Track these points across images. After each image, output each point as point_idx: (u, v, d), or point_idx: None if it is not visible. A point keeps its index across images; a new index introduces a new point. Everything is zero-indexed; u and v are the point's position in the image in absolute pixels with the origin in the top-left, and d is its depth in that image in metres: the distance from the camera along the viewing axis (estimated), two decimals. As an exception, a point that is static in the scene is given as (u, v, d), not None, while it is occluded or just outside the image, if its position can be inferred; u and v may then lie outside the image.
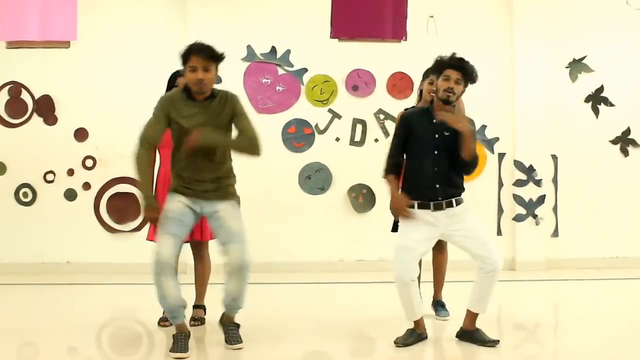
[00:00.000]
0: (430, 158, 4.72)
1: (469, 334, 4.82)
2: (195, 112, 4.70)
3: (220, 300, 4.87)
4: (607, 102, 8.58)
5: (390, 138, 8.07)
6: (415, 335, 4.83)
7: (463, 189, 4.83)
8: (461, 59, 4.78)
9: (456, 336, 4.88)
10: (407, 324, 4.98)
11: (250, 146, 4.79)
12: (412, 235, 4.71)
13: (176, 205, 4.70)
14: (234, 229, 4.78)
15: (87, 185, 8.29)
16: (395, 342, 4.79)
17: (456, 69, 4.75)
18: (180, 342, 4.64)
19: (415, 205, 4.72)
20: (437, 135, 4.73)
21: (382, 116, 8.45)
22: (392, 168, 4.86)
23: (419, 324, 4.86)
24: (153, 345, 5.09)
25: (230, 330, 4.87)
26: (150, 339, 5.23)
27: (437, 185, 4.70)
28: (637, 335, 5.20)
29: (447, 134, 4.72)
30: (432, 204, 4.70)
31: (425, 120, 4.79)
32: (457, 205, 4.72)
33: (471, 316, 4.83)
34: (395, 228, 5.77)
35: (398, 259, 4.73)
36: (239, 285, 4.79)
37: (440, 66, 4.79)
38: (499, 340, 4.76)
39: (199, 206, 4.77)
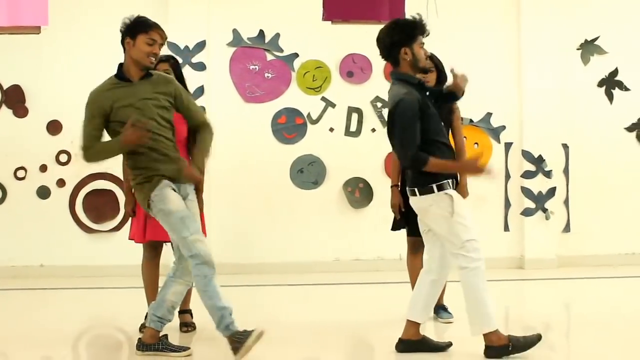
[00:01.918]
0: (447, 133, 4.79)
1: (417, 344, 4.77)
2: (138, 93, 4.77)
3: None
4: (621, 86, 8.59)
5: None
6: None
7: None
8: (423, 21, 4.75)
9: (400, 350, 4.80)
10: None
11: (212, 135, 4.96)
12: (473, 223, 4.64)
13: (174, 200, 4.68)
14: (199, 219, 4.88)
15: (61, 182, 8.27)
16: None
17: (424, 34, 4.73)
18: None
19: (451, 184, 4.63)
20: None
21: (379, 104, 8.45)
22: (421, 153, 4.58)
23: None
24: (134, 355, 5.07)
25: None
26: (131, 347, 5.21)
27: None
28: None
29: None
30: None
31: (425, 94, 4.70)
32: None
33: (414, 328, 4.80)
34: (395, 226, 5.77)
35: (479, 251, 4.58)
36: (183, 293, 4.96)
37: (416, 31, 4.68)
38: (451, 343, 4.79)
39: (178, 191, 4.78)
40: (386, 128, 4.78)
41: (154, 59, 4.81)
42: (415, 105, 4.51)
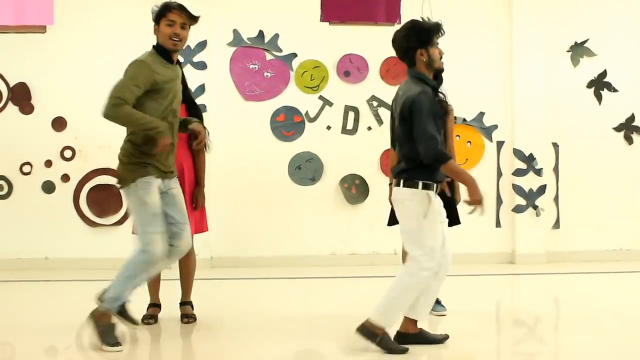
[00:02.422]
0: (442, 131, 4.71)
1: (413, 337, 4.79)
2: (173, 76, 4.85)
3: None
4: (610, 87, 8.62)
5: (383, 127, 8.17)
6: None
7: None
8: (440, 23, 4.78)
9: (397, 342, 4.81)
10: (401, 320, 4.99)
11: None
12: (439, 232, 4.62)
13: (155, 196, 4.74)
14: (185, 210, 4.94)
15: (65, 177, 8.28)
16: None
17: (440, 35, 4.75)
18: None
19: (434, 188, 4.61)
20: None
21: (375, 103, 8.47)
22: (442, 149, 4.55)
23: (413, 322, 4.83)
24: (136, 344, 5.10)
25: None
26: (133, 336, 5.23)
27: None
28: (641, 331, 5.25)
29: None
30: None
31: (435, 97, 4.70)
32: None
33: (411, 322, 4.82)
34: (391, 222, 5.79)
35: (432, 261, 4.56)
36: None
37: (432, 32, 4.70)
38: (447, 335, 4.80)
39: (162, 186, 4.85)
40: (397, 121, 4.69)
41: (176, 39, 4.80)
42: (431, 103, 4.55)
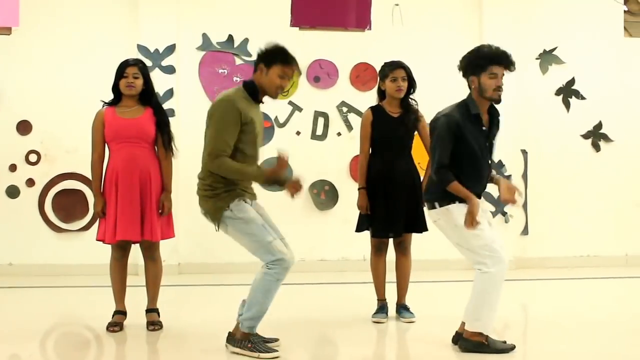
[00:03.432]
0: (485, 160, 4.83)
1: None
2: (258, 114, 4.87)
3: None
4: (578, 95, 8.75)
5: (353, 132, 8.21)
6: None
7: None
8: (507, 54, 4.74)
9: (454, 341, 4.90)
10: (370, 325, 5.03)
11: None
12: (487, 229, 4.75)
13: (253, 211, 4.77)
14: (276, 227, 4.96)
15: (30, 182, 8.21)
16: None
17: (504, 66, 4.72)
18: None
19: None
20: (487, 143, 4.87)
21: (345, 109, 8.51)
22: (449, 173, 4.71)
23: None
24: (102, 352, 5.08)
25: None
26: (99, 345, 5.22)
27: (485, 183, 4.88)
28: (608, 336, 5.33)
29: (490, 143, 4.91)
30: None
31: (476, 124, 4.80)
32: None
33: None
34: (360, 228, 5.83)
35: (497, 256, 4.66)
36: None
37: (485, 61, 4.72)
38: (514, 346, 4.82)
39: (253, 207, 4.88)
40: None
41: (281, 92, 4.79)
42: (452, 127, 4.67)
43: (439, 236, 5.00)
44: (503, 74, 4.75)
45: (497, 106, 4.90)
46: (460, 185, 4.65)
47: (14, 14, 8.06)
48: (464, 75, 4.83)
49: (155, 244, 5.47)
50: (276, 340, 4.92)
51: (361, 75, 8.50)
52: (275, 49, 4.77)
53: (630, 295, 7.20)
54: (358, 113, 8.29)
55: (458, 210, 4.67)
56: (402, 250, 5.81)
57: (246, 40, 8.41)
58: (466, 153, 4.71)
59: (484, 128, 4.82)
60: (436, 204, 4.76)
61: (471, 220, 4.60)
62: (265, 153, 8.43)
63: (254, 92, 4.79)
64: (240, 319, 4.78)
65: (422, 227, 5.73)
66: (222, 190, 4.73)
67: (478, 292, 4.70)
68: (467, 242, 4.72)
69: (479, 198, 4.74)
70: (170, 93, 8.14)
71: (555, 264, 8.55)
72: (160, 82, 7.66)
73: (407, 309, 5.76)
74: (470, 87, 4.82)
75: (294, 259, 4.74)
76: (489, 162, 4.90)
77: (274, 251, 4.68)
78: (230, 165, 4.65)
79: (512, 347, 4.76)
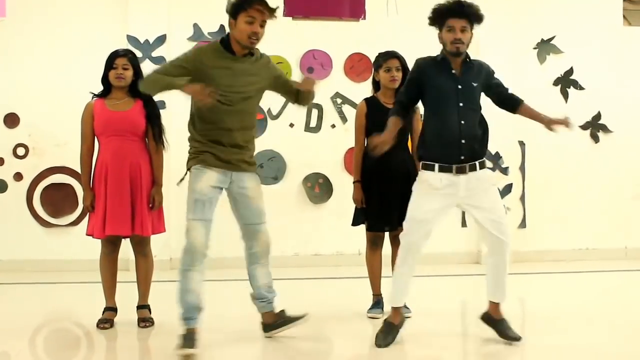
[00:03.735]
0: (455, 111, 4.69)
1: (493, 322, 4.95)
2: (229, 67, 4.68)
3: (251, 300, 5.00)
4: (576, 85, 8.69)
5: (348, 124, 8.15)
6: (394, 330, 4.83)
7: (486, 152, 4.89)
8: (460, 3, 4.72)
9: (480, 318, 4.99)
10: (365, 321, 4.97)
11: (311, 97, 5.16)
12: (426, 205, 4.66)
13: (205, 185, 4.64)
14: (261, 209, 4.89)
15: (18, 176, 8.12)
16: (376, 344, 4.77)
17: (460, 17, 4.71)
18: (190, 339, 4.59)
19: (436, 168, 4.67)
20: (460, 86, 4.73)
21: (339, 100, 8.43)
22: (396, 107, 4.80)
23: (397, 313, 4.87)
24: (92, 349, 5.03)
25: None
26: (89, 341, 5.16)
27: (463, 141, 4.68)
28: (607, 329, 5.30)
29: (474, 84, 4.80)
30: (454, 166, 4.66)
31: (444, 69, 4.76)
32: (480, 169, 4.72)
33: (494, 306, 4.93)
34: (355, 221, 5.76)
35: (408, 231, 4.69)
36: (270, 269, 4.97)
37: (440, 16, 4.74)
38: (520, 337, 4.85)
39: (227, 180, 4.75)
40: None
41: (254, 39, 4.63)
42: (414, 68, 4.83)
43: (434, 229, 4.94)
44: (464, 27, 4.73)
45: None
46: (391, 123, 4.69)
47: (1, 4, 7.98)
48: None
49: (145, 239, 5.40)
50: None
51: (355, 65, 8.42)
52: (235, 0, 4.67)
53: (630, 288, 7.17)
54: (352, 104, 8.21)
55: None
56: (398, 244, 5.72)
57: (238, 31, 8.31)
58: (430, 97, 4.74)
59: (453, 71, 4.76)
60: (486, 162, 4.75)
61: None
62: (258, 146, 8.38)
63: (227, 44, 4.69)
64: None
65: None
66: (194, 151, 4.73)
67: (507, 264, 4.78)
68: (500, 206, 4.76)
69: (448, 156, 4.66)
70: (161, 85, 8.04)
71: (553, 257, 8.51)
72: (150, 73, 7.57)
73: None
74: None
75: (197, 245, 4.57)
76: (473, 108, 4.81)
77: (186, 229, 4.61)
78: (152, 77, 4.64)
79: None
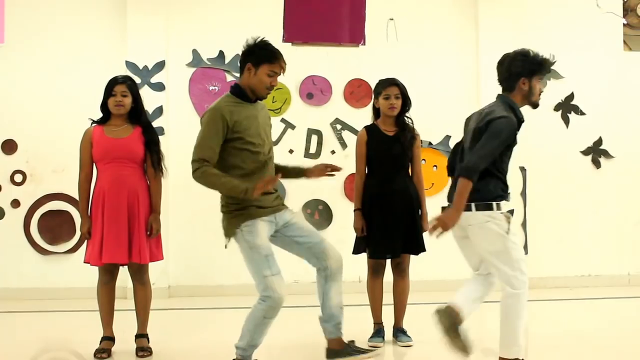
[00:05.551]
0: None
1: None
2: (256, 112, 4.73)
3: (320, 323, 4.96)
4: (577, 110, 8.75)
5: (347, 150, 8.18)
6: None
7: None
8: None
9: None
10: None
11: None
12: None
13: (264, 238, 4.62)
14: (313, 228, 4.86)
15: (16, 203, 8.15)
16: None
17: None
18: None
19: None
20: None
21: (339, 126, 8.48)
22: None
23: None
24: (89, 379, 5.02)
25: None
26: (85, 372, 5.16)
27: None
28: (612, 358, 5.30)
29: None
30: None
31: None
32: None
33: None
34: (356, 250, 5.78)
35: (526, 277, 4.74)
36: (341, 289, 4.91)
37: (540, 67, 4.74)
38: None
39: (274, 225, 4.73)
40: (469, 139, 4.79)
41: (270, 90, 4.71)
42: (513, 132, 4.62)
43: (436, 257, 4.97)
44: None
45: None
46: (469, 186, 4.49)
47: (-1, 30, 8.07)
48: (509, 78, 4.76)
49: (143, 267, 5.41)
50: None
51: (355, 91, 8.48)
52: (261, 46, 4.74)
53: (634, 315, 7.17)
54: (352, 130, 8.26)
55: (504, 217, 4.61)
56: (400, 272, 5.75)
57: (237, 57, 8.32)
58: (506, 157, 4.73)
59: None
60: (494, 205, 4.60)
61: (443, 226, 4.46)
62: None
63: (242, 94, 4.71)
64: (235, 344, 4.72)
65: (419, 248, 5.69)
66: (234, 208, 4.66)
67: (513, 314, 4.73)
68: (507, 253, 4.66)
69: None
70: (159, 111, 8.11)
71: (556, 284, 8.51)
72: (149, 99, 7.62)
73: (404, 332, 5.71)
74: (510, 90, 4.77)
75: (283, 298, 4.62)
76: None
77: (265, 286, 4.60)
78: (212, 175, 4.57)
79: None
